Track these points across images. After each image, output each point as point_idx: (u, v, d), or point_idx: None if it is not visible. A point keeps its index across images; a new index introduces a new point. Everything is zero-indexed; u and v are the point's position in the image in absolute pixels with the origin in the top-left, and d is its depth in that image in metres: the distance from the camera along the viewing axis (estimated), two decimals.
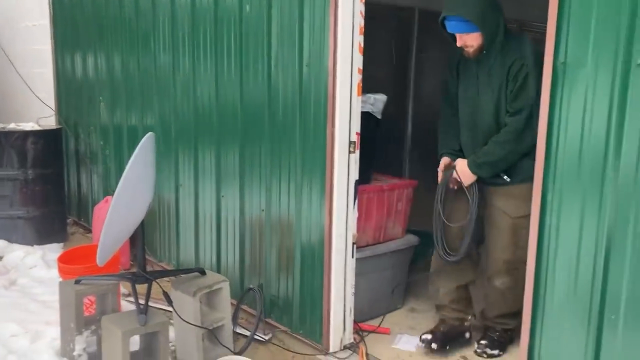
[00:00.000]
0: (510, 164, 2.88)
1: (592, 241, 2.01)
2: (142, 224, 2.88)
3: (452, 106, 3.13)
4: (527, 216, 2.50)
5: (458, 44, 2.84)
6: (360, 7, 2.84)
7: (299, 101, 3.04)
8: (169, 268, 4.25)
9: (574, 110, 2.01)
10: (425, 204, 4.46)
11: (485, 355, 3.11)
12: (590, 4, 1.92)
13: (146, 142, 2.76)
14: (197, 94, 3.77)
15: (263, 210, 3.36)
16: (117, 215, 2.66)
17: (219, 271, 3.76)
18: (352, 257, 3.08)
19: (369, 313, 3.45)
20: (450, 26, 2.82)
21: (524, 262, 2.39)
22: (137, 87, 4.34)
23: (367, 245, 3.41)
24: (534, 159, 2.52)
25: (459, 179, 3.00)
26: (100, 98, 4.85)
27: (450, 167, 3.08)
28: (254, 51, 3.27)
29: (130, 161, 2.67)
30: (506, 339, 3.18)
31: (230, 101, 3.49)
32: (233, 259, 3.65)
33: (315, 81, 2.94)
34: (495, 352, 3.12)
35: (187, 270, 3.21)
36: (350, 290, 3.10)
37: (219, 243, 3.75)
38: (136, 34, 4.26)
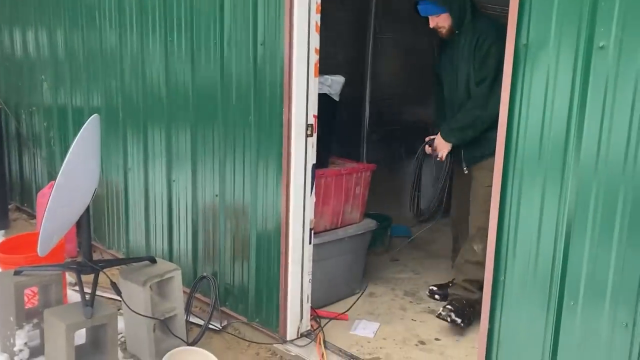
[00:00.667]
0: (479, 132, 3.04)
1: (552, 226, 1.98)
2: (88, 210, 2.72)
3: (439, 85, 3.35)
4: None
5: (430, 26, 3.08)
6: None
7: (253, 82, 2.92)
8: (118, 256, 4.08)
9: (536, 91, 1.97)
10: (384, 187, 4.44)
11: (448, 320, 3.13)
12: None
13: (90, 125, 2.60)
14: (146, 73, 3.58)
15: (217, 195, 3.23)
16: (60, 201, 2.49)
17: (171, 259, 3.63)
18: (310, 243, 3.00)
19: (327, 299, 3.40)
20: (421, 10, 3.07)
21: None
22: (82, 66, 4.11)
23: (325, 231, 3.34)
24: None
25: (436, 150, 3.22)
26: (43, 77, 4.58)
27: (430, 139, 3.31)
28: (205, 28, 3.12)
29: (72, 144, 2.51)
30: (470, 312, 3.19)
31: (181, 81, 3.33)
32: (186, 246, 3.52)
33: (270, 61, 2.82)
34: (459, 320, 3.14)
35: (137, 259, 3.07)
36: (308, 277, 3.03)
37: (171, 229, 3.61)
38: (80, 8, 4.01)
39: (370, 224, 3.57)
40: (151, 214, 3.74)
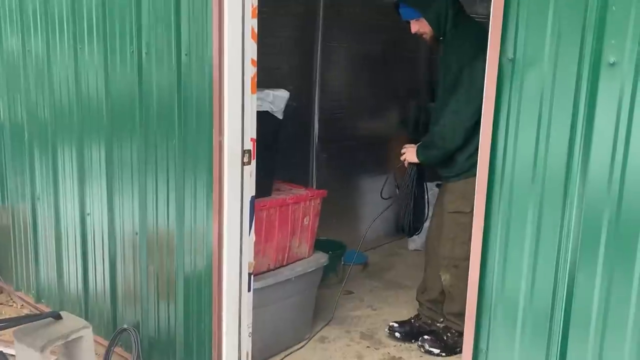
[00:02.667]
0: (442, 150, 2.79)
1: (552, 261, 1.59)
2: None
3: None
4: (462, 213, 2.76)
5: (412, 31, 2.86)
6: None
7: (177, 99, 2.42)
8: (27, 298, 3.49)
9: (526, 114, 1.59)
10: (337, 209, 4.01)
11: (422, 350, 3.02)
12: None
13: None
14: (53, 85, 3.03)
15: (137, 233, 2.71)
16: None
17: (86, 302, 3.08)
18: (249, 290, 2.52)
19: (271, 350, 2.92)
20: (402, 13, 2.87)
21: (465, 260, 2.48)
22: None
23: (268, 271, 2.87)
24: (467, 155, 2.72)
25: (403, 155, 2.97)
26: None
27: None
28: (121, 34, 2.60)
29: None
30: (456, 342, 2.96)
31: (94, 96, 2.80)
32: (103, 288, 2.98)
33: (197, 74, 2.34)
34: (435, 350, 2.99)
35: (35, 317, 2.51)
36: (247, 330, 2.55)
37: (86, 269, 3.06)
38: None
39: (321, 259, 3.11)
40: (64, 250, 3.18)
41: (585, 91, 1.45)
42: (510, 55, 1.55)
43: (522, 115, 1.58)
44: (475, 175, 2.64)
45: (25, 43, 3.15)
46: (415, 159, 2.90)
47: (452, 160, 2.82)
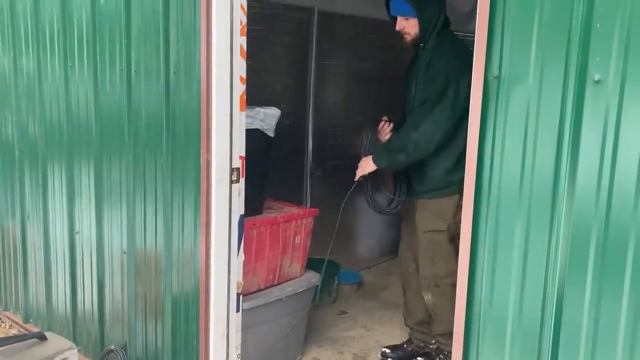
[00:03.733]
0: (412, 158, 2.65)
1: (540, 280, 1.55)
2: None
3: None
4: (436, 231, 2.72)
5: (397, 28, 2.74)
6: (241, 1, 2.25)
7: (165, 116, 2.41)
8: (15, 318, 3.44)
9: (512, 130, 1.56)
10: (330, 227, 3.96)
11: None
12: (532, 1, 1.46)
13: None
14: (44, 103, 3.02)
15: (125, 252, 2.68)
16: None
17: (74, 323, 3.04)
18: (238, 310, 2.48)
19: None
20: (392, 7, 2.74)
21: (446, 278, 2.69)
22: None
23: (258, 290, 2.82)
24: (443, 172, 2.66)
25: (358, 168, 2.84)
26: None
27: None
28: (110, 52, 2.60)
29: None
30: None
31: (84, 114, 2.79)
32: (91, 308, 2.93)
33: (185, 92, 2.32)
34: None
35: (21, 338, 2.46)
36: (236, 352, 2.50)
37: (74, 289, 3.02)
38: None
39: (312, 278, 3.07)
40: (52, 270, 3.14)
41: (571, 108, 1.43)
42: (495, 72, 1.53)
43: (508, 132, 1.56)
44: (450, 194, 2.65)
45: (16, 61, 3.15)
46: (371, 167, 2.77)
47: (424, 175, 2.72)
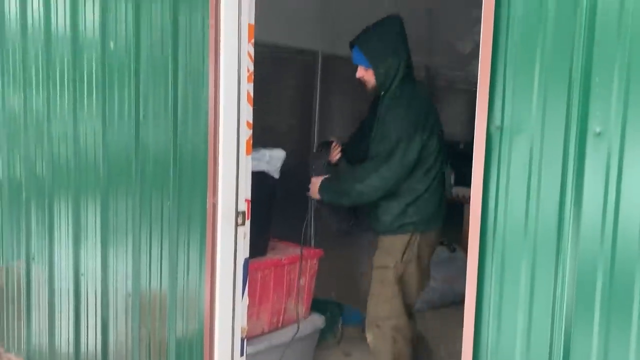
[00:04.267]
0: (353, 203, 2.77)
1: (547, 321, 1.55)
2: None
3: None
4: (386, 268, 2.71)
5: (357, 76, 2.81)
6: (249, 49, 2.31)
7: (172, 159, 2.44)
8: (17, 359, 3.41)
9: (515, 180, 1.59)
10: (334, 266, 3.96)
11: None
12: (532, 55, 1.51)
13: None
14: (52, 143, 3.06)
15: (130, 295, 2.68)
16: None
17: None
18: (242, 355, 2.46)
19: None
20: (354, 56, 2.81)
21: (388, 320, 2.71)
22: None
23: (262, 334, 2.81)
24: (392, 217, 2.70)
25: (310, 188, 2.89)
26: None
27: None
28: (119, 97, 2.65)
29: None
30: None
31: (92, 156, 2.82)
32: (95, 351, 2.91)
33: (192, 136, 2.36)
34: None
35: None
36: None
37: (78, 331, 3.00)
38: None
39: (317, 321, 3.06)
40: (56, 311, 3.13)
41: (573, 158, 1.45)
42: (497, 123, 1.57)
43: (511, 180, 1.58)
44: (402, 232, 2.69)
45: (27, 102, 3.21)
46: (316, 195, 2.83)
47: (376, 215, 2.77)
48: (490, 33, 1.56)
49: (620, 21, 1.37)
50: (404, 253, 2.70)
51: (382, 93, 2.75)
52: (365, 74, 2.77)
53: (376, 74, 2.72)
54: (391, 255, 2.71)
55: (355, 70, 2.82)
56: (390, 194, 2.67)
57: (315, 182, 2.84)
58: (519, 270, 1.61)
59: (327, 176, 2.84)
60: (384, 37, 2.71)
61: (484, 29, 1.58)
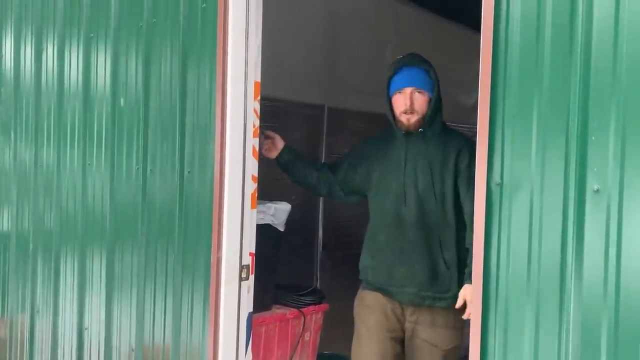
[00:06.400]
0: None
1: None
2: None
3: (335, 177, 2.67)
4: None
5: (402, 106, 2.35)
6: (255, 105, 2.37)
7: (178, 213, 2.46)
8: None
9: (517, 233, 1.60)
10: (341, 319, 3.90)
11: None
12: (529, 112, 1.54)
13: None
14: (61, 197, 3.11)
15: (133, 350, 2.65)
16: None
17: None
18: None
19: None
20: (407, 77, 2.37)
21: None
22: None
23: None
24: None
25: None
26: None
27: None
28: (128, 152, 2.70)
29: None
30: None
31: (99, 208, 2.86)
32: None
33: (198, 190, 2.39)
34: None
35: None
36: None
37: None
38: None
39: None
40: None
41: (573, 214, 1.46)
42: (497, 179, 1.58)
43: (512, 235, 1.59)
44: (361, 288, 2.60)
45: (37, 156, 3.27)
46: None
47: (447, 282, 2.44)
48: (487, 90, 1.60)
49: (614, 79, 1.40)
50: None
51: (421, 130, 2.38)
52: (419, 99, 2.36)
53: (433, 99, 2.38)
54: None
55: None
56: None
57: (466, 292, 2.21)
58: (523, 326, 1.60)
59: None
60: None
61: (481, 86, 1.63)
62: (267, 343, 2.76)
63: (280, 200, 3.01)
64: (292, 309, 2.93)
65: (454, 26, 5.22)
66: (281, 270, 3.17)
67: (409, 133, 2.40)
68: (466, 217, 2.33)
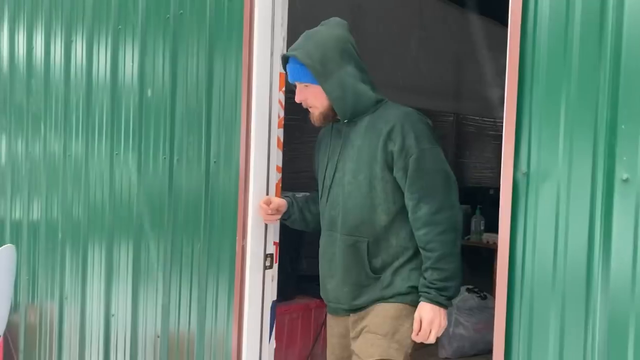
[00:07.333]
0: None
1: None
2: None
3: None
4: None
5: (297, 99, 2.07)
6: (280, 96, 2.38)
7: (204, 202, 2.50)
8: None
9: (543, 225, 1.58)
10: None
11: None
12: (557, 101, 1.53)
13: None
14: (89, 187, 3.17)
15: (159, 336, 2.70)
16: None
17: None
18: None
19: None
20: (290, 72, 2.06)
21: None
22: (25, 176, 3.69)
23: None
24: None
25: (427, 333, 1.89)
26: None
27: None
28: (155, 142, 2.74)
29: None
30: None
31: (126, 197, 2.91)
32: None
33: (223, 180, 2.43)
34: None
35: None
36: None
37: None
38: (26, 116, 3.67)
39: None
40: (86, 353, 3.17)
41: (601, 204, 1.45)
42: (524, 169, 1.58)
43: (539, 227, 1.58)
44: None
45: (66, 148, 3.34)
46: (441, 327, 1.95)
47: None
48: (515, 78, 1.59)
49: None
50: None
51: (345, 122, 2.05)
52: (308, 93, 2.04)
53: (327, 91, 2.01)
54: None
55: None
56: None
57: (427, 315, 1.87)
58: (548, 321, 1.59)
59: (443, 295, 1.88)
60: None
61: (509, 74, 1.62)
62: (291, 332, 2.79)
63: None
64: (315, 299, 2.95)
65: (479, 18, 5.18)
66: (304, 261, 3.20)
67: (335, 125, 2.08)
68: (410, 213, 1.92)
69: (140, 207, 2.83)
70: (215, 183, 2.46)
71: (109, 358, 3.01)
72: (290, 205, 2.26)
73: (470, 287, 4.40)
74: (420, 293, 1.89)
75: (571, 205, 1.51)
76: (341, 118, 2.04)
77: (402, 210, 1.95)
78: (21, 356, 3.74)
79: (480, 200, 4.75)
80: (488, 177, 5.46)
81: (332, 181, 2.07)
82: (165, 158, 2.69)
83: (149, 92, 2.77)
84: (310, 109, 2.08)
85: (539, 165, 1.56)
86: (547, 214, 1.56)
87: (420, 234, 1.90)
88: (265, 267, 2.40)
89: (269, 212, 2.22)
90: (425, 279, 1.88)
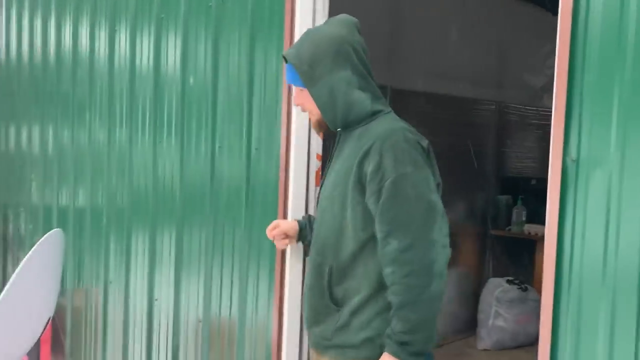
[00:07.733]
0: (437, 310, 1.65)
1: None
2: (38, 344, 2.25)
3: None
4: None
5: (294, 103, 1.95)
6: None
7: (245, 189, 2.52)
8: None
9: (593, 216, 1.53)
10: None
11: None
12: (610, 86, 1.47)
13: (47, 242, 2.20)
14: (133, 175, 3.24)
15: (200, 321, 2.75)
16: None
17: None
18: None
19: None
20: (287, 74, 1.91)
21: None
22: (70, 164, 3.80)
23: None
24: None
25: None
26: (32, 176, 4.28)
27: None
28: (197, 131, 2.78)
29: (21, 265, 2.09)
30: None
31: (169, 187, 2.96)
32: None
33: (264, 167, 2.44)
34: None
35: None
36: None
37: (150, 355, 3.10)
38: (72, 105, 3.77)
39: None
40: (130, 336, 3.25)
41: None
42: (574, 155, 1.53)
43: (588, 217, 1.52)
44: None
45: (110, 136, 3.42)
46: None
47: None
48: (565, 62, 1.54)
49: None
50: None
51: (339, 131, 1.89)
52: (303, 96, 1.87)
53: (314, 96, 1.83)
54: None
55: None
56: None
57: None
58: (597, 317, 1.53)
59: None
60: None
61: (559, 58, 1.56)
62: None
63: None
64: None
65: (523, 4, 5.05)
66: None
67: (340, 132, 1.87)
68: (378, 247, 1.65)
69: (182, 194, 2.87)
70: (256, 170, 2.48)
71: (151, 341, 3.08)
72: (302, 228, 2.09)
73: (510, 278, 4.34)
74: (386, 344, 1.62)
75: (623, 194, 1.46)
76: (330, 127, 1.84)
77: (374, 239, 1.68)
78: (68, 338, 3.87)
79: (522, 191, 4.67)
80: (530, 167, 5.34)
81: (320, 192, 1.91)
82: (207, 145, 2.71)
83: (191, 81, 2.80)
84: (309, 114, 1.90)
85: (589, 152, 1.50)
86: (597, 203, 1.51)
87: (386, 272, 1.61)
88: (306, 255, 2.41)
89: (276, 236, 2.08)
90: (390, 327, 1.61)
